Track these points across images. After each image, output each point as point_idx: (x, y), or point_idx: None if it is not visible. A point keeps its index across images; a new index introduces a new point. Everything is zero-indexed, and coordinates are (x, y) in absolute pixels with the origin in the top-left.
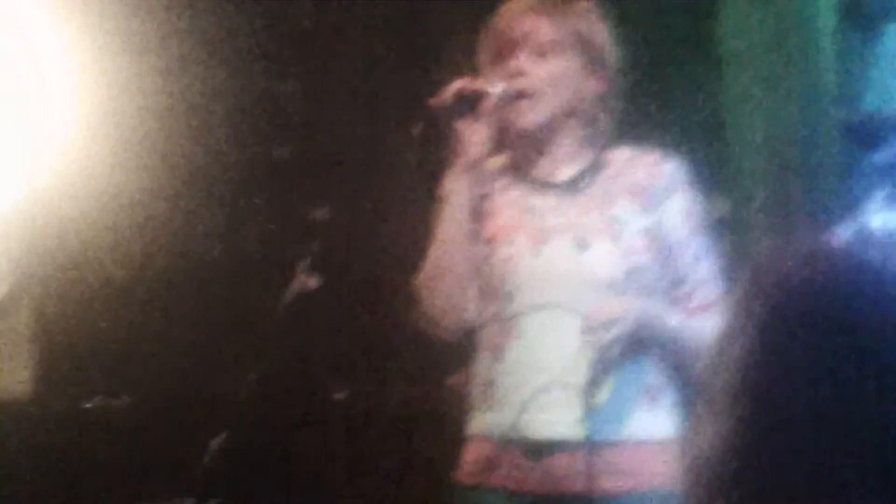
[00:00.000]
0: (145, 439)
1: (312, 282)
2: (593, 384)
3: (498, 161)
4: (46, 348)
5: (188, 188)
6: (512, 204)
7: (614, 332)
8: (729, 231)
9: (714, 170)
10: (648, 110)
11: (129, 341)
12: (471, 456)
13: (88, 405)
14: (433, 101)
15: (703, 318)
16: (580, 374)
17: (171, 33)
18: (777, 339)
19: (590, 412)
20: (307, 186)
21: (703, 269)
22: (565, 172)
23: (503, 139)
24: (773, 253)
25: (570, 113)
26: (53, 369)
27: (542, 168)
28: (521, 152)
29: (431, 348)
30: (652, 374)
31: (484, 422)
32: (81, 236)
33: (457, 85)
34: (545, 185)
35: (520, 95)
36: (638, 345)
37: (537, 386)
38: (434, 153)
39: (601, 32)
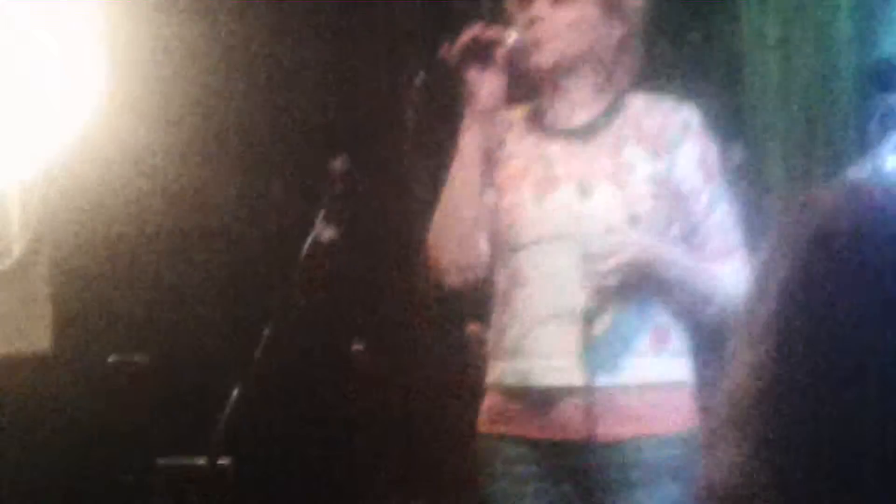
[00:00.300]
0: (163, 396)
1: (329, 233)
2: (592, 314)
3: (518, 112)
4: (64, 307)
5: (205, 144)
6: (524, 152)
7: (614, 260)
8: (747, 175)
9: (731, 114)
10: (666, 55)
11: (146, 298)
12: (486, 406)
13: (108, 361)
14: (444, 52)
15: (719, 264)
16: (580, 306)
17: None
18: (812, 280)
19: (589, 346)
20: (325, 138)
21: (716, 217)
22: (580, 118)
23: (521, 87)
24: (798, 198)
25: (587, 58)
26: (72, 327)
27: (558, 114)
28: (539, 99)
29: (450, 299)
30: (661, 316)
31: (496, 371)
32: (98, 194)
33: (471, 33)
34: (560, 132)
35: (534, 41)
36: (644, 282)
37: (538, 320)
38: (442, 102)
39: None
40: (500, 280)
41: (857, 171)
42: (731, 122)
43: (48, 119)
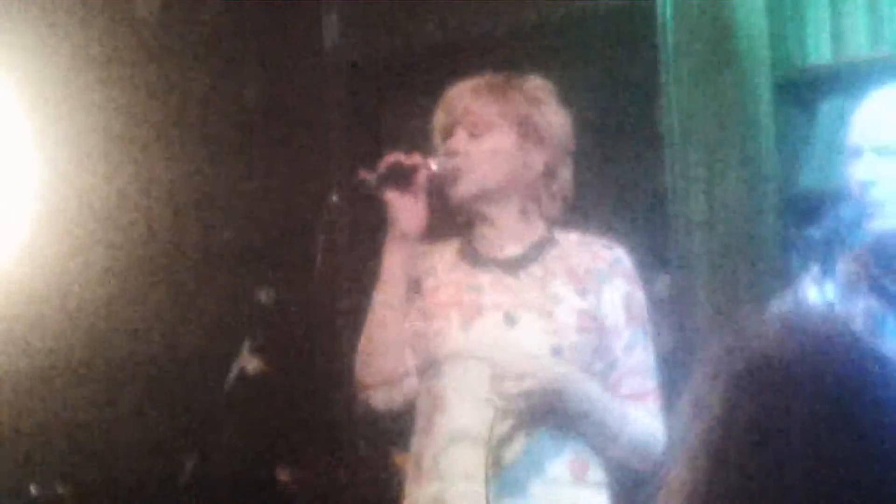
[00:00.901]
0: None
1: (254, 363)
2: (502, 439)
3: (451, 244)
4: None
5: (127, 272)
6: (455, 281)
7: (524, 385)
8: (671, 308)
9: (656, 248)
10: (591, 188)
11: (68, 428)
12: None
13: (34, 492)
14: (364, 174)
15: (632, 405)
16: (488, 428)
17: (112, 122)
18: (745, 412)
19: (497, 471)
20: (252, 269)
21: (634, 358)
22: (511, 250)
23: (453, 219)
24: (729, 331)
25: (509, 187)
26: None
27: (489, 245)
28: (470, 230)
29: (376, 426)
30: (579, 446)
31: (414, 496)
32: (25, 323)
33: (391, 158)
34: (490, 262)
35: (453, 173)
36: (551, 410)
37: (451, 441)
38: (360, 224)
39: (541, 110)
40: (422, 403)
41: (780, 303)
42: (656, 254)
43: None
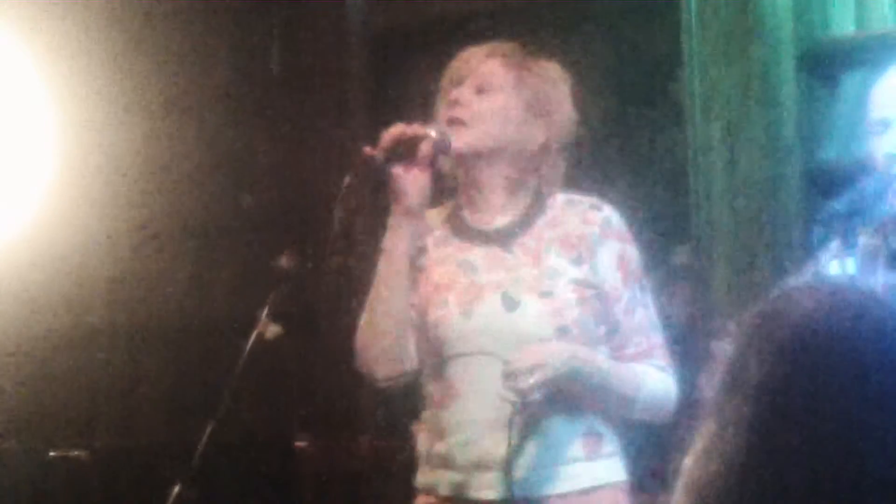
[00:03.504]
0: (102, 493)
1: (274, 329)
2: (519, 428)
3: (437, 213)
4: (3, 400)
5: (148, 236)
6: (446, 259)
7: (536, 377)
8: (691, 278)
9: (677, 219)
10: (613, 160)
11: (86, 393)
12: None
13: (49, 456)
14: (368, 150)
15: (641, 364)
16: (508, 419)
17: (136, 85)
18: (788, 381)
19: (518, 459)
20: (273, 235)
21: (636, 317)
22: (500, 220)
23: (444, 187)
24: (770, 299)
25: (505, 151)
26: (12, 421)
27: (477, 214)
28: (457, 199)
29: (396, 395)
30: (591, 422)
31: (430, 478)
32: (44, 288)
33: (393, 132)
34: (479, 234)
35: (453, 121)
36: (567, 393)
37: (470, 433)
38: (373, 202)
39: (552, 89)
40: (435, 389)
41: (802, 276)
42: (677, 224)
43: None
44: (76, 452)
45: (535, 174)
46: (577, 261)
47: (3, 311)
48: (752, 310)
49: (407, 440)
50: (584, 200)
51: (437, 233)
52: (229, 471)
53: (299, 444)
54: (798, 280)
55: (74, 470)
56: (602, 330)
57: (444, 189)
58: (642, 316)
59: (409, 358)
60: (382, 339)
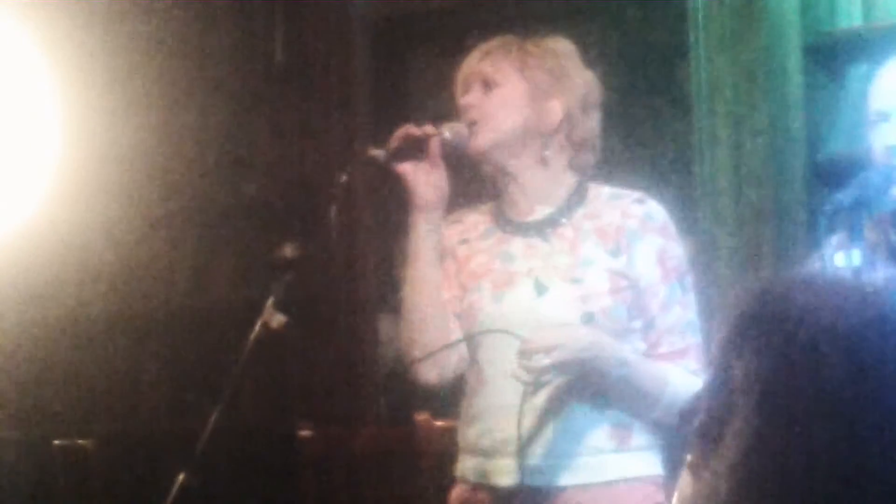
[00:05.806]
0: (107, 481)
1: (279, 319)
2: (533, 412)
3: (488, 209)
4: (8, 389)
5: (153, 225)
6: (487, 249)
7: (552, 358)
8: (696, 272)
9: (682, 211)
10: (617, 151)
11: (91, 382)
12: (453, 499)
13: (56, 443)
14: (373, 151)
15: (671, 363)
16: (532, 405)
17: (138, 77)
18: (794, 374)
19: (541, 446)
20: (277, 224)
21: (671, 316)
22: (541, 211)
23: (485, 186)
24: (751, 292)
25: (525, 137)
26: (19, 410)
27: (519, 208)
28: (502, 196)
29: (402, 388)
30: (621, 416)
31: (461, 465)
32: (47, 278)
33: (402, 132)
34: (520, 226)
35: (470, 125)
36: (592, 380)
37: (496, 418)
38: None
39: (558, 62)
40: (469, 377)
41: (806, 268)
42: (683, 216)
43: None
44: (80, 441)
45: (569, 149)
46: (615, 252)
47: (5, 300)
48: (746, 303)
49: (409, 429)
50: (629, 194)
51: (482, 227)
52: (233, 459)
53: (302, 432)
54: (798, 272)
55: (78, 459)
56: (638, 324)
57: (486, 189)
58: (679, 315)
59: (457, 349)
60: (425, 336)
